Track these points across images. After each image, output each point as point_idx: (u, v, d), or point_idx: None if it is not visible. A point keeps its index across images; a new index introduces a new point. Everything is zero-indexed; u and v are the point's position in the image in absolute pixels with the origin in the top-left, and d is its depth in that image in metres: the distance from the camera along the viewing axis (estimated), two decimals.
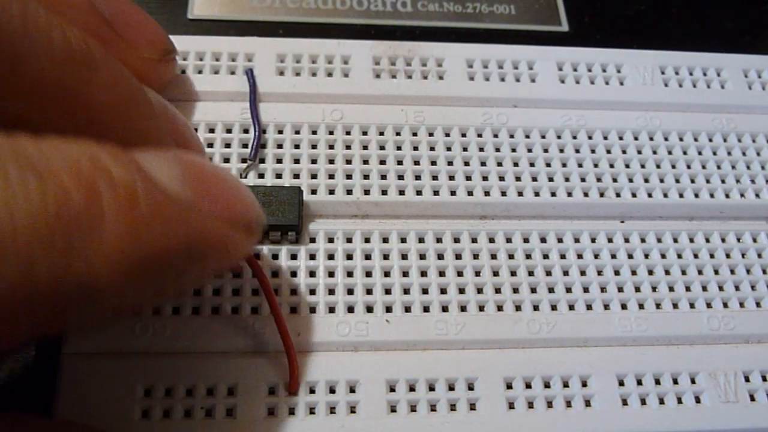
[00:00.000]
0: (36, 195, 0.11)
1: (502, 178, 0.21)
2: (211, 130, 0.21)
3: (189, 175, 0.14)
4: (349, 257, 0.19)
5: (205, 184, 0.14)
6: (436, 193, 0.20)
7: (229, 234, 0.14)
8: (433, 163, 0.21)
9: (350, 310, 0.19)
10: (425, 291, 0.19)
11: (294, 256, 0.19)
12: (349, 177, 0.20)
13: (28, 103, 0.13)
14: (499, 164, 0.21)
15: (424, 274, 0.19)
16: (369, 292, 0.19)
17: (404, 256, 0.19)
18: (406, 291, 0.19)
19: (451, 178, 0.21)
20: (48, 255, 0.11)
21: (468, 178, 0.21)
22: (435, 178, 0.21)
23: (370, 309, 0.19)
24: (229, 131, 0.21)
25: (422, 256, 0.19)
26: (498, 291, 0.19)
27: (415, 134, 0.21)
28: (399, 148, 0.21)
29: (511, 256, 0.20)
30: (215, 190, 0.14)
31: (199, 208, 0.13)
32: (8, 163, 0.11)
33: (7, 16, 0.12)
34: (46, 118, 0.13)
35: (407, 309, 0.19)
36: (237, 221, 0.14)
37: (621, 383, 0.18)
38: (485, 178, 0.21)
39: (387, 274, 0.19)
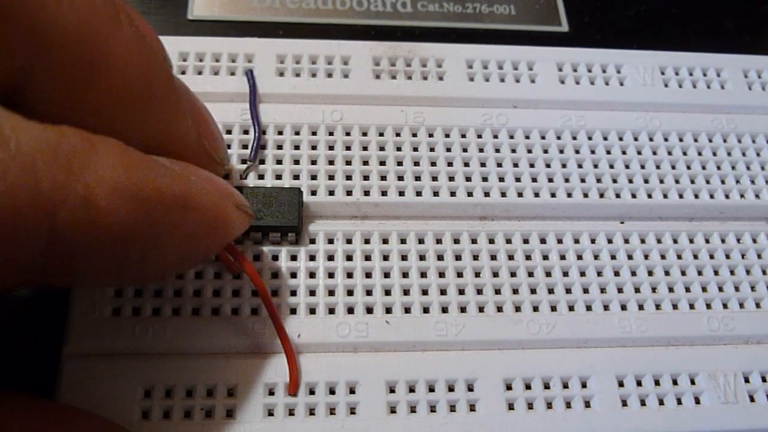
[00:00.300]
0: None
1: (501, 179, 0.21)
2: None
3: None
4: (349, 258, 0.19)
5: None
6: (435, 194, 0.20)
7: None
8: (433, 164, 0.21)
9: (350, 311, 0.19)
10: (425, 292, 0.19)
11: (294, 257, 0.19)
12: (348, 178, 0.20)
13: (44, 55, 0.13)
14: (499, 165, 0.21)
15: (423, 275, 0.19)
16: (369, 293, 0.19)
17: (404, 257, 0.19)
18: (406, 292, 0.19)
19: (451, 179, 0.21)
20: (50, 166, 0.12)
21: (468, 179, 0.21)
22: (435, 179, 0.21)
23: (369, 310, 0.19)
24: (229, 132, 0.21)
25: (422, 257, 0.19)
26: (498, 292, 0.19)
27: (414, 135, 0.21)
28: (399, 149, 0.21)
29: (510, 257, 0.20)
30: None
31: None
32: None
33: None
34: (62, 68, 0.13)
35: (407, 310, 0.19)
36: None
37: (621, 384, 0.18)
38: (485, 179, 0.21)
39: (387, 275, 0.19)
